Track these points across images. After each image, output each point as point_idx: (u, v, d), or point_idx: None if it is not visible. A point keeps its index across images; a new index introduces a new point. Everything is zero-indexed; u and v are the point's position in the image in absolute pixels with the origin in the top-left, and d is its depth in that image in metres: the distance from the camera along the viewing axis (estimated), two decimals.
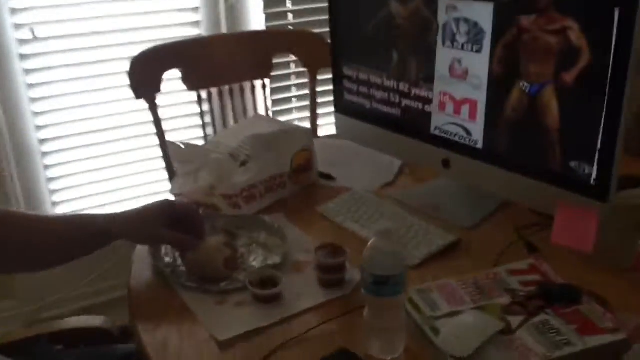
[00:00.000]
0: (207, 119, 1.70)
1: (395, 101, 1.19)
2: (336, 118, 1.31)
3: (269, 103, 1.85)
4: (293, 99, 2.10)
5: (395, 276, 0.76)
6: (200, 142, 1.84)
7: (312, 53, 1.55)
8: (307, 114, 2.13)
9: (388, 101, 1.21)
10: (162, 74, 1.42)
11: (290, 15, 2.05)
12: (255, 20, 1.95)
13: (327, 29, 2.09)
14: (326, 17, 2.11)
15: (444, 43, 1.08)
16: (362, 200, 1.16)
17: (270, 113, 1.87)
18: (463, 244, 1.04)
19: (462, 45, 1.05)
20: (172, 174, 1.50)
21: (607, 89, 0.87)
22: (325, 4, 2.07)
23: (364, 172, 1.29)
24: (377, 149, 1.27)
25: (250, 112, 1.65)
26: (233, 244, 1.01)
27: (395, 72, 1.18)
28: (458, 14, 1.04)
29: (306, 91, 2.09)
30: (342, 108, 1.30)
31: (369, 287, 0.77)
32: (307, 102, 2.13)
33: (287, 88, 2.07)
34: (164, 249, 1.01)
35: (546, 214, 1.04)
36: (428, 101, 1.14)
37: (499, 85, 1.02)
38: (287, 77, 2.07)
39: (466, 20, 1.03)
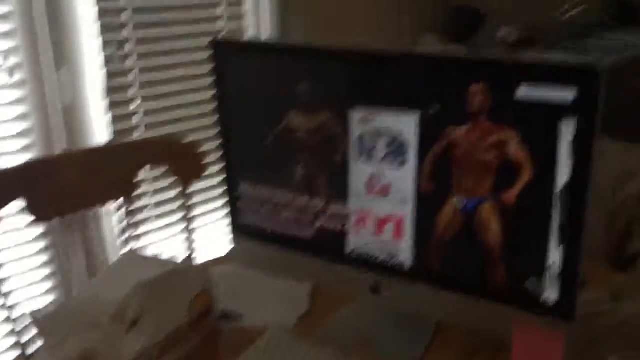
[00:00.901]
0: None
1: (304, 221, 1.04)
2: (232, 242, 1.12)
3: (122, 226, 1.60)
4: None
5: None
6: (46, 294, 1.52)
7: (185, 164, 1.35)
8: (160, 235, 1.89)
9: (295, 221, 1.05)
10: (1, 208, 1.12)
11: (137, 116, 1.85)
12: (97, 122, 1.71)
13: (178, 128, 1.96)
14: (175, 116, 1.96)
15: (359, 157, 0.96)
16: (285, 345, 0.97)
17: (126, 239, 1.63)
18: None
19: (382, 159, 0.94)
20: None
21: (552, 205, 0.81)
22: (175, 102, 1.92)
23: (273, 303, 1.11)
24: (285, 276, 1.11)
25: (109, 241, 1.38)
26: None
27: (301, 189, 1.03)
28: (375, 125, 0.93)
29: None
30: (238, 230, 1.12)
31: None
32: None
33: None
34: None
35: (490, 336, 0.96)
36: (342, 220, 1.01)
37: (428, 201, 0.92)
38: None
39: (386, 133, 0.93)
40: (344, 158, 0.97)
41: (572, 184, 0.78)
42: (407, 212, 0.94)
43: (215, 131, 1.85)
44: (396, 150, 0.92)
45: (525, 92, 0.78)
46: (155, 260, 1.05)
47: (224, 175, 1.09)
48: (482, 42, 2.62)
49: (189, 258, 1.37)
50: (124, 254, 1.04)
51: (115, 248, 1.65)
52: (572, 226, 0.80)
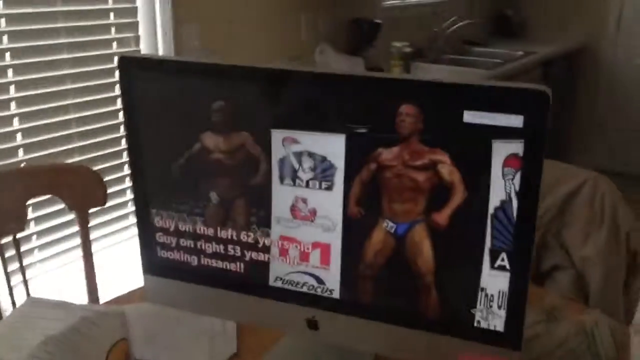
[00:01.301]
0: None
1: (224, 252, 0.97)
2: (145, 280, 1.03)
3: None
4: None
5: None
6: None
7: (82, 192, 1.23)
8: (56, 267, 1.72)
9: (214, 252, 0.98)
10: None
11: (20, 151, 1.69)
12: None
13: (64, 148, 1.79)
14: (60, 135, 1.80)
15: (282, 180, 0.91)
16: None
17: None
18: None
19: (307, 183, 0.90)
20: None
21: (487, 228, 0.80)
22: (60, 118, 1.76)
23: (197, 346, 1.02)
24: (207, 314, 1.02)
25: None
26: None
27: (219, 217, 0.96)
28: (299, 147, 0.89)
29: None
30: (152, 267, 1.02)
31: None
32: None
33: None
34: None
35: None
36: (265, 248, 0.95)
37: (357, 226, 0.88)
38: None
39: (310, 155, 0.89)
40: (267, 181, 0.92)
41: (520, 209, 0.77)
42: (334, 238, 0.90)
43: (113, 149, 1.74)
44: (322, 173, 0.89)
45: (469, 117, 0.77)
46: (62, 306, 0.93)
47: (133, 202, 1.00)
48: (376, 54, 2.67)
49: (96, 301, 1.24)
50: (24, 302, 0.91)
51: (3, 290, 1.46)
52: (517, 252, 0.79)
